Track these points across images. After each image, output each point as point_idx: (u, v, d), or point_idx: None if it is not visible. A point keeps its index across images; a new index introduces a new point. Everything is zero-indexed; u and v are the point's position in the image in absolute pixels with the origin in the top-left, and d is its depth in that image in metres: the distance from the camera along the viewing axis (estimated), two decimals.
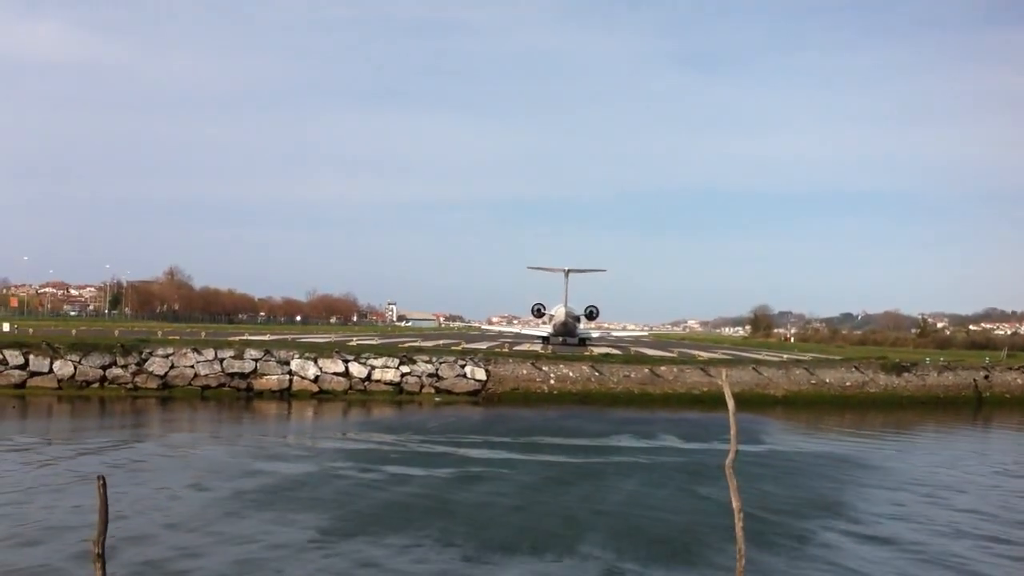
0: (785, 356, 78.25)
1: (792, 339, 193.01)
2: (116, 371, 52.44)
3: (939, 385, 62.44)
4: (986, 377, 64.41)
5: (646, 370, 58.50)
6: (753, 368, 61.04)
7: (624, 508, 24.50)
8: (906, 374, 62.38)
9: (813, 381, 60.18)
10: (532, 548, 19.79)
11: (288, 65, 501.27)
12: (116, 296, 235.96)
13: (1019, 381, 65.30)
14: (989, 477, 32.53)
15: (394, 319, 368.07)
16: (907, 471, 32.83)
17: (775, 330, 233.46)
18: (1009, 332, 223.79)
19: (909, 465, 34.51)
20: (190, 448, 33.59)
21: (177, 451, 32.75)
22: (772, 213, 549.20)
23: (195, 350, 53.96)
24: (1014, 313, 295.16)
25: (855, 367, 62.81)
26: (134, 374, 52.47)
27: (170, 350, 53.94)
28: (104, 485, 10.16)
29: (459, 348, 69.26)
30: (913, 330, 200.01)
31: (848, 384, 60.53)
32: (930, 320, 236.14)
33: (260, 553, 18.88)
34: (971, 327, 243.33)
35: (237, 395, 52.28)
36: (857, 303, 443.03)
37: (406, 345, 71.02)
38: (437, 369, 54.99)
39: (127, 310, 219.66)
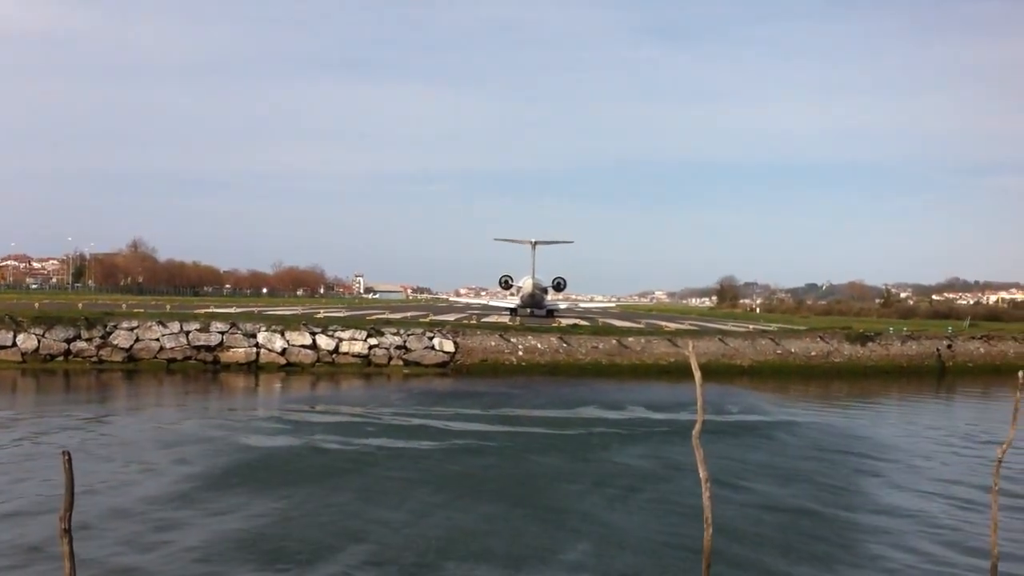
0: (751, 326, 78.81)
1: (758, 309, 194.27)
2: (81, 344, 52.05)
3: (903, 354, 63.27)
4: (949, 346, 65.33)
5: (614, 341, 58.76)
6: (719, 339, 61.46)
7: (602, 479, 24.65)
8: (870, 344, 63.13)
9: (779, 351, 60.75)
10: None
11: (254, 34, 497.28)
12: (79, 269, 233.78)
13: (981, 350, 66.35)
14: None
15: (361, 291, 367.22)
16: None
17: (741, 300, 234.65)
18: (971, 302, 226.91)
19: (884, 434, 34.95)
20: (159, 422, 33.40)
21: (147, 425, 32.59)
22: (738, 184, 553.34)
23: (160, 323, 53.62)
24: (976, 283, 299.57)
25: (820, 337, 63.44)
26: (99, 347, 52.09)
27: (135, 323, 53.57)
28: (69, 460, 10.08)
29: (427, 320, 69.11)
30: (877, 300, 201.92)
31: (813, 354, 61.15)
32: (894, 290, 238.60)
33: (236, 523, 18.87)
34: (934, 297, 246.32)
35: (204, 368, 52.05)
36: (822, 274, 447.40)
37: (374, 317, 70.78)
38: (405, 341, 54.96)
39: (91, 283, 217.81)
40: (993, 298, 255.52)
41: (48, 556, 16.38)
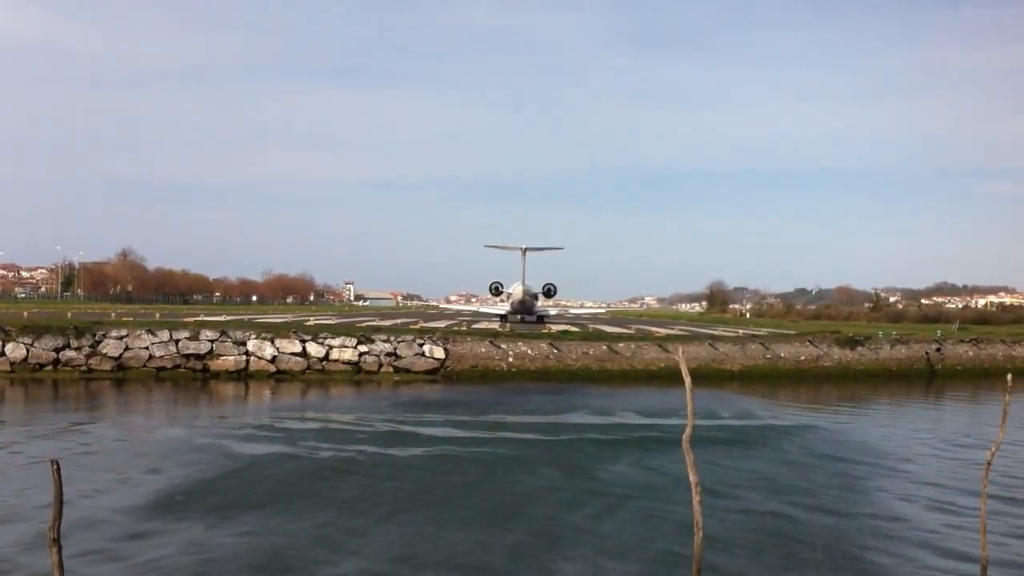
0: (741, 331, 78.90)
1: (747, 314, 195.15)
2: (70, 353, 51.84)
3: (892, 358, 63.42)
4: (938, 350, 65.53)
5: (604, 347, 58.78)
6: (709, 344, 61.54)
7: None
8: (859, 348, 63.29)
9: (768, 356, 60.84)
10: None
11: (241, 42, 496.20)
12: (68, 278, 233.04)
13: (970, 354, 66.57)
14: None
15: (351, 298, 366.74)
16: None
17: (731, 306, 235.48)
18: (960, 305, 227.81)
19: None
20: (147, 431, 33.29)
21: (134, 434, 32.47)
22: (727, 190, 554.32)
23: (150, 331, 53.46)
24: (965, 287, 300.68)
25: (809, 341, 63.58)
26: (88, 356, 51.90)
27: (124, 332, 53.40)
28: (58, 470, 10.04)
29: (417, 327, 69.05)
30: (866, 304, 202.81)
31: (803, 358, 61.26)
32: (883, 294, 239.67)
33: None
34: (923, 301, 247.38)
35: (193, 376, 51.87)
36: (811, 278, 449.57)
37: (364, 324, 70.72)
38: (395, 348, 54.90)
39: (80, 292, 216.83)
40: (982, 302, 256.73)
41: (15, 567, 16.22)
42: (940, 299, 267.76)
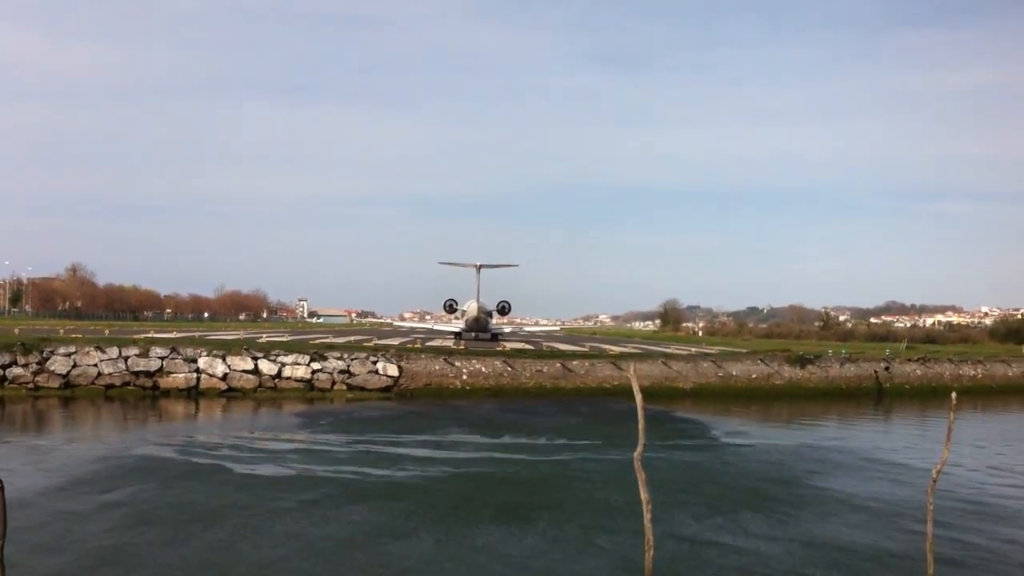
0: (693, 349, 79.47)
1: (700, 333, 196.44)
2: (16, 370, 51.05)
3: (841, 377, 64.26)
4: (886, 369, 66.50)
5: (558, 365, 58.91)
6: (662, 362, 61.89)
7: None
8: (810, 366, 64.05)
9: (720, 374, 61.33)
10: None
11: (196, 57, 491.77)
12: (16, 293, 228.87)
13: (918, 372, 67.65)
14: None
15: (305, 315, 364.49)
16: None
17: (684, 324, 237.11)
18: (908, 324, 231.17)
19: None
20: (94, 449, 32.82)
21: (85, 453, 32.00)
22: (680, 209, 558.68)
23: (99, 348, 52.75)
24: (913, 306, 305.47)
25: (761, 360, 64.19)
26: (35, 373, 51.14)
27: (72, 348, 52.64)
28: (2, 490, 9.90)
29: (371, 344, 68.70)
30: (816, 323, 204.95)
31: (754, 376, 61.82)
32: (833, 313, 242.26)
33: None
34: (872, 320, 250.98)
35: (143, 394, 51.26)
36: (763, 297, 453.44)
37: (317, 342, 70.22)
38: (349, 366, 54.63)
39: (28, 308, 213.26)
40: (930, 321, 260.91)
41: None
42: (889, 318, 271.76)
